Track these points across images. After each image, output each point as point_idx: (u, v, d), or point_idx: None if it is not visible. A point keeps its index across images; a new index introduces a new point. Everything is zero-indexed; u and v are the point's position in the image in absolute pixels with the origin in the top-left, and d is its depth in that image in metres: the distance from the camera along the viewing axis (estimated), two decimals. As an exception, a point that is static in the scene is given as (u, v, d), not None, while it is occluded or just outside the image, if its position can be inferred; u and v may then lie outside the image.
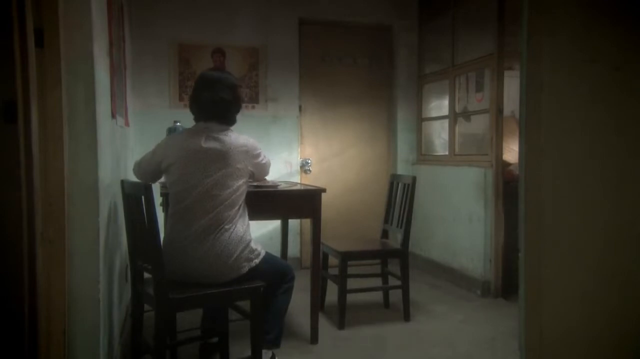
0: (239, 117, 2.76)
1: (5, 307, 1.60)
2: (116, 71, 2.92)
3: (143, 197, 2.33)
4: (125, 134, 3.66)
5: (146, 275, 2.53)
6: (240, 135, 2.66)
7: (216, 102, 2.61)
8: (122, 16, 3.51)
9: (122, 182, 2.59)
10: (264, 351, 2.64)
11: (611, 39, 1.56)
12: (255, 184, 2.89)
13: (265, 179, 3.05)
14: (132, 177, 3.56)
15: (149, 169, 2.70)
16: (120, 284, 2.99)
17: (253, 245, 2.59)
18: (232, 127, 2.70)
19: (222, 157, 2.52)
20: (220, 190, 2.50)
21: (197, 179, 2.50)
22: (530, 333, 1.69)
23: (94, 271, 2.14)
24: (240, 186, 2.57)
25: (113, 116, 2.71)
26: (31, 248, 1.67)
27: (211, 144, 2.54)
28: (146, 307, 2.54)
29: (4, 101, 1.59)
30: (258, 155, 2.69)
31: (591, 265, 1.60)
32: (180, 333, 2.94)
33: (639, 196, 1.60)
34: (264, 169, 2.80)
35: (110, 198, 2.54)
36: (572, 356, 1.64)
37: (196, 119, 2.67)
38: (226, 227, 2.49)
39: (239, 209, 2.57)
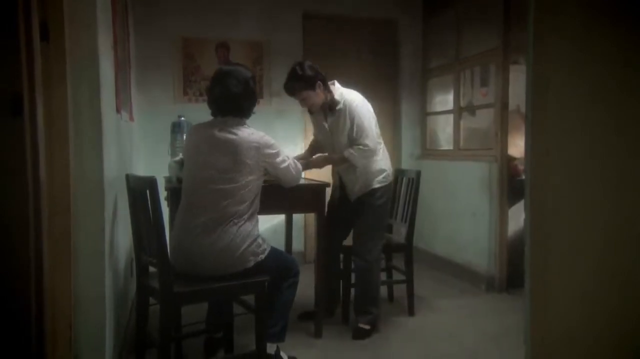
0: None
1: (12, 303, 1.61)
2: (121, 66, 2.93)
3: (148, 191, 2.34)
4: (130, 129, 3.67)
5: (151, 269, 2.55)
6: (257, 131, 2.63)
7: (226, 96, 2.60)
8: (126, 11, 3.51)
9: (127, 176, 2.61)
10: (268, 344, 2.66)
11: (615, 37, 1.55)
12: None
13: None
14: (137, 172, 3.56)
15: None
16: (126, 278, 3.01)
17: (260, 241, 2.60)
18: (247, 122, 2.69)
19: (233, 150, 2.52)
20: (226, 183, 2.50)
21: (206, 171, 2.52)
22: (536, 329, 1.69)
23: (100, 265, 2.16)
24: (250, 181, 2.55)
25: (118, 110, 2.72)
26: (38, 244, 1.68)
27: (225, 135, 2.54)
28: (151, 301, 2.56)
29: (11, 93, 1.59)
30: (274, 155, 2.65)
31: (591, 264, 1.60)
32: (186, 326, 2.96)
33: (640, 195, 1.59)
34: (285, 173, 2.75)
35: (115, 193, 2.55)
36: (576, 352, 1.65)
37: (213, 114, 2.67)
38: (235, 221, 2.49)
39: (250, 205, 2.55)
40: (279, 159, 2.68)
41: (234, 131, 2.56)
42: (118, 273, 2.66)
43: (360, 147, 3.17)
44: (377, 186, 3.28)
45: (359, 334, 3.23)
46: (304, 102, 3.22)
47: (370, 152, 3.21)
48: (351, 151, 3.18)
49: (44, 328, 1.73)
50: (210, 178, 2.51)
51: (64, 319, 1.95)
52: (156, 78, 4.67)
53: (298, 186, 3.11)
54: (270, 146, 2.63)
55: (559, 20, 1.59)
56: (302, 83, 3.13)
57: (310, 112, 3.33)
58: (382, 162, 3.33)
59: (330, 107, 3.24)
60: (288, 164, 2.75)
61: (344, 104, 3.21)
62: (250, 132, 2.60)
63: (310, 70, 3.14)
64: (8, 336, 1.59)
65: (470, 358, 2.96)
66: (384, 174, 3.32)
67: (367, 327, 3.26)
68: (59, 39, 1.91)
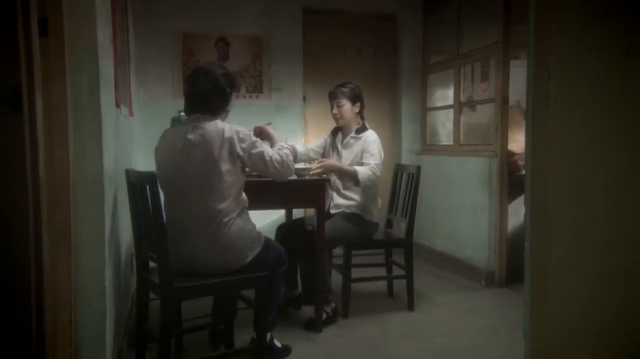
0: (241, 107, 2.73)
1: (12, 298, 1.61)
2: (120, 61, 2.93)
3: (148, 186, 2.34)
4: (130, 124, 3.67)
5: (151, 264, 2.55)
6: (230, 125, 2.54)
7: (193, 94, 2.58)
8: (125, 6, 3.50)
9: (127, 171, 2.60)
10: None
11: (615, 31, 1.55)
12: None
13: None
14: (137, 167, 3.56)
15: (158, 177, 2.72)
16: (126, 273, 3.01)
17: (254, 234, 2.60)
18: (230, 118, 2.68)
19: (204, 146, 2.45)
20: (203, 178, 2.44)
21: (179, 168, 2.48)
22: (535, 324, 1.69)
23: (100, 260, 2.16)
24: (227, 176, 2.46)
25: (117, 105, 2.72)
26: (37, 238, 1.68)
27: (195, 134, 2.47)
28: (152, 296, 2.56)
29: (10, 88, 1.59)
30: (249, 147, 2.53)
31: (592, 258, 1.60)
32: (186, 321, 2.96)
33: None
34: (265, 166, 2.62)
35: (115, 187, 2.55)
36: (577, 348, 1.65)
37: (186, 113, 2.66)
38: (224, 221, 2.45)
39: (235, 202, 2.51)
40: (255, 151, 2.55)
41: (205, 126, 2.49)
42: (118, 267, 2.66)
43: (372, 167, 3.44)
44: (369, 207, 3.54)
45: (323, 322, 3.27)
46: (339, 109, 3.56)
47: (376, 179, 3.47)
48: (362, 167, 3.44)
49: (44, 322, 1.73)
50: (185, 173, 2.47)
51: (64, 314, 1.96)
52: (156, 73, 4.66)
53: (297, 182, 3.11)
54: (242, 139, 2.51)
55: (560, 15, 1.59)
56: (348, 92, 3.54)
57: (337, 122, 3.62)
58: (377, 207, 3.61)
59: (358, 130, 3.59)
60: (270, 158, 2.62)
61: (370, 132, 3.58)
62: (220, 125, 2.51)
63: (358, 91, 3.59)
64: (8, 331, 1.60)
65: (469, 353, 2.97)
66: (375, 211, 3.57)
67: (330, 312, 3.35)
68: (58, 34, 1.91)
